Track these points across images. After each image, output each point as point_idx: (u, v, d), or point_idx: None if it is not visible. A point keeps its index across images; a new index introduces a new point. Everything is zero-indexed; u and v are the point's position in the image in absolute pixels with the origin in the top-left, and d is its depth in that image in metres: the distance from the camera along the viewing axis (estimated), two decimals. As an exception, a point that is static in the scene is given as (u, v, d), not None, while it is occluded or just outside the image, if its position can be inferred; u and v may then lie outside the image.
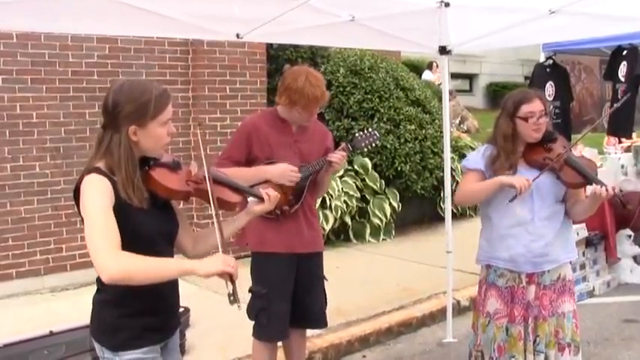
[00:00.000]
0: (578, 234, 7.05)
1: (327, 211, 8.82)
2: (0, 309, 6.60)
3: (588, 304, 7.09)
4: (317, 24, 5.29)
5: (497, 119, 4.24)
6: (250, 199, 3.26)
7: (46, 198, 7.33)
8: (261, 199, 3.19)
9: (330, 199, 8.88)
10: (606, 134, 9.20)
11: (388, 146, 9.72)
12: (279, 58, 9.29)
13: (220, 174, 3.22)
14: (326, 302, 4.65)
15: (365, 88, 9.84)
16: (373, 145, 4.60)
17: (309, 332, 5.02)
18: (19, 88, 7.17)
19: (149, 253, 2.70)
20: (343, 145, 4.44)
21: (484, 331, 4.26)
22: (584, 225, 7.26)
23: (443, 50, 5.94)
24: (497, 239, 4.17)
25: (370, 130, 4.62)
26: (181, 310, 5.23)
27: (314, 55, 10.03)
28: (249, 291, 4.42)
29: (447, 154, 6.25)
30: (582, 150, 7.43)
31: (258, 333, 4.46)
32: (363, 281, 7.53)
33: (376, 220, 9.56)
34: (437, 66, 17.41)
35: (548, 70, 8.21)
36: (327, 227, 8.76)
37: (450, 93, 7.58)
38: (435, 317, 6.66)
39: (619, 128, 8.13)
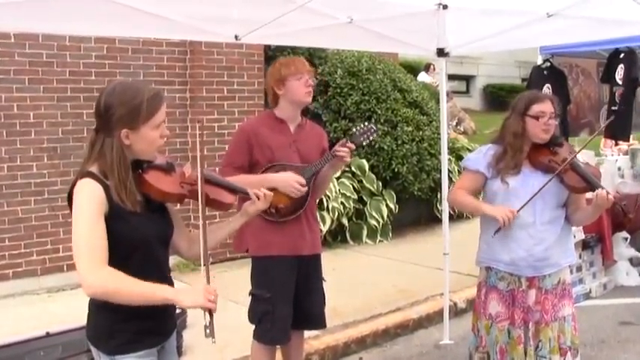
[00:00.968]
0: (575, 236, 7.05)
1: (324, 213, 8.82)
2: (-4, 309, 6.59)
3: (585, 307, 7.10)
4: (315, 26, 5.29)
5: (506, 119, 4.24)
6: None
7: (43, 198, 7.33)
8: (256, 199, 3.18)
9: (327, 201, 8.88)
10: (603, 137, 9.19)
11: (385, 148, 9.72)
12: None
13: (214, 174, 3.21)
14: (325, 303, 4.65)
15: (362, 89, 9.85)
16: (371, 138, 4.53)
17: (306, 334, 5.02)
18: (16, 88, 7.17)
19: (144, 256, 2.70)
20: (344, 140, 4.38)
21: (488, 333, 4.25)
22: (580, 227, 7.26)
23: (441, 52, 5.95)
24: (498, 242, 4.14)
25: (367, 124, 4.57)
26: (178, 311, 5.23)
27: (311, 57, 10.02)
28: (251, 294, 4.42)
29: (444, 156, 6.25)
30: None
31: (261, 336, 4.44)
32: (360, 283, 7.53)
33: (373, 222, 9.56)
34: (434, 68, 17.43)
35: (545, 72, 8.21)
36: (324, 229, 8.76)
37: (447, 94, 7.58)
38: (432, 319, 6.66)
39: (617, 131, 8.13)
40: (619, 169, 8.38)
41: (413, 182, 9.96)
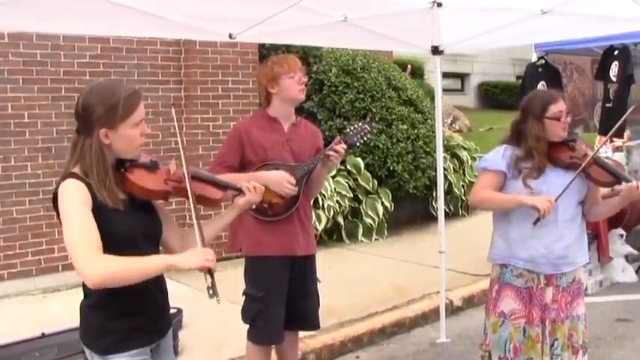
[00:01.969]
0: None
1: (320, 211, 8.81)
2: (-8, 310, 6.58)
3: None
4: (310, 24, 5.28)
5: (519, 123, 4.19)
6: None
7: (37, 198, 7.30)
8: (241, 192, 3.18)
9: (322, 199, 8.88)
10: (598, 134, 9.21)
11: (380, 146, 9.72)
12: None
13: (201, 171, 3.21)
14: (319, 304, 4.65)
15: (357, 87, 9.84)
16: (365, 137, 4.54)
17: (302, 333, 5.02)
18: (10, 88, 7.14)
19: (132, 254, 2.70)
20: (338, 139, 4.38)
21: (494, 332, 4.21)
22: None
23: (435, 50, 5.95)
24: (517, 239, 4.13)
25: (361, 123, 4.56)
26: (174, 311, 5.23)
27: (306, 55, 10.01)
28: (244, 294, 4.42)
29: (440, 154, 6.25)
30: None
31: (255, 336, 4.44)
32: (356, 281, 7.53)
33: (369, 220, 9.56)
34: (410, 69, 17.30)
35: (540, 69, 8.23)
36: (320, 227, 8.76)
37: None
38: (428, 317, 6.66)
39: (611, 128, 8.13)
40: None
41: (408, 180, 9.96)
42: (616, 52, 7.92)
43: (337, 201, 9.13)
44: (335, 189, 9.16)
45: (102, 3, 4.25)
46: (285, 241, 4.34)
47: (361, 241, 9.53)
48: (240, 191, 3.19)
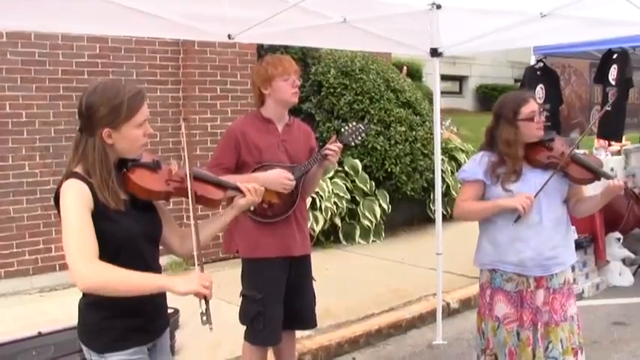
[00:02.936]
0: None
1: (317, 213, 8.82)
2: (-12, 309, 6.57)
3: (577, 307, 7.09)
4: (309, 25, 5.28)
5: (492, 128, 4.17)
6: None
7: (35, 198, 7.31)
8: (242, 193, 3.17)
9: (320, 201, 8.88)
10: (596, 137, 9.21)
11: (378, 148, 9.73)
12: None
13: (202, 171, 3.20)
14: (315, 302, 4.65)
15: (355, 89, 9.85)
16: (361, 137, 4.51)
17: (299, 334, 5.02)
18: (8, 87, 7.15)
19: (132, 254, 2.70)
20: (333, 138, 4.36)
21: (495, 335, 4.20)
22: (573, 228, 7.27)
23: (434, 52, 5.95)
24: (505, 243, 4.10)
25: (355, 123, 4.53)
26: (171, 311, 5.22)
27: (305, 56, 10.03)
28: (242, 295, 4.41)
29: (438, 156, 6.24)
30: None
31: (253, 337, 4.42)
32: (353, 283, 7.53)
33: (366, 222, 9.57)
34: (407, 71, 17.29)
35: (538, 73, 8.23)
36: (317, 228, 8.76)
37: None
38: (425, 319, 6.66)
39: (609, 132, 8.15)
40: (612, 169, 8.39)
41: (406, 182, 9.96)
42: (615, 56, 7.92)
43: (335, 202, 9.13)
44: (332, 190, 9.17)
45: (101, 3, 4.24)
46: (282, 242, 4.34)
47: (358, 242, 9.54)
48: (240, 192, 3.19)
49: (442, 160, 9.44)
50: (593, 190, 4.35)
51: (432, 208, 9.64)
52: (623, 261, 8.18)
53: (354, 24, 5.38)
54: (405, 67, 16.22)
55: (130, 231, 2.78)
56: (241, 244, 4.40)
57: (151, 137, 2.89)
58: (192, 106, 8.31)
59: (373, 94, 9.91)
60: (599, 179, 3.99)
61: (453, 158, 11.24)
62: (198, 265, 2.77)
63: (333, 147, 4.26)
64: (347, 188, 9.43)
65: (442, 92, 7.22)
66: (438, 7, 5.32)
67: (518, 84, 10.61)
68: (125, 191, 2.82)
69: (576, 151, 4.22)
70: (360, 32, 5.50)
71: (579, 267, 7.58)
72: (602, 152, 9.08)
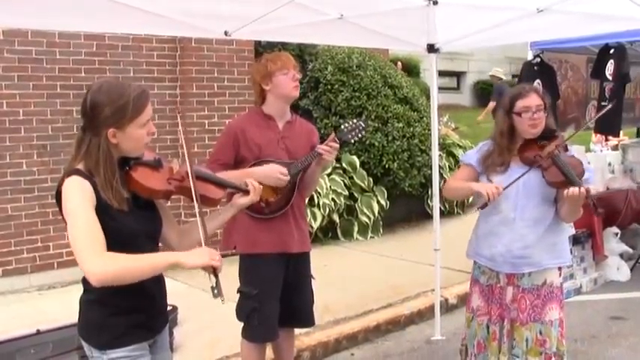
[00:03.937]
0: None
1: (315, 209, 8.82)
2: (-14, 307, 6.57)
3: (575, 302, 7.12)
4: (306, 22, 5.28)
5: (497, 116, 4.26)
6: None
7: (33, 196, 7.30)
8: (245, 192, 3.18)
9: (318, 197, 8.88)
10: (594, 132, 9.23)
11: (376, 144, 9.73)
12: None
13: (202, 169, 3.20)
14: (313, 301, 4.65)
15: (353, 85, 9.85)
16: (360, 135, 4.51)
17: (297, 330, 5.02)
18: (5, 85, 7.14)
19: (131, 252, 2.70)
20: (332, 136, 4.36)
21: (468, 326, 4.28)
22: (571, 223, 7.28)
23: (431, 48, 5.95)
24: (482, 236, 4.19)
25: (355, 120, 4.54)
26: (169, 308, 5.23)
27: (302, 53, 10.03)
28: (239, 292, 4.42)
29: (435, 152, 6.25)
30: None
31: (249, 334, 4.43)
32: (351, 279, 7.54)
33: (364, 218, 9.57)
34: (401, 66, 17.31)
35: (535, 68, 8.22)
36: (315, 225, 8.77)
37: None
38: (423, 315, 6.68)
39: (607, 127, 8.15)
40: (609, 164, 8.41)
41: (404, 178, 9.97)
42: (612, 51, 7.92)
43: (333, 199, 9.14)
44: (330, 187, 9.17)
45: (98, 0, 4.25)
46: (279, 238, 4.34)
47: (356, 239, 9.54)
48: (240, 190, 3.19)
49: (440, 156, 9.43)
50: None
51: (430, 204, 9.64)
52: (621, 256, 8.20)
53: (351, 20, 5.38)
54: (399, 63, 16.24)
55: (131, 229, 2.79)
56: (239, 240, 4.40)
57: (153, 136, 2.89)
58: (189, 104, 8.30)
59: (371, 90, 9.91)
60: (573, 185, 3.88)
61: (450, 154, 11.24)
62: (204, 240, 2.79)
63: (327, 146, 4.27)
64: (345, 185, 9.43)
65: (440, 88, 7.23)
66: (435, 2, 5.32)
67: (516, 79, 10.61)
68: (127, 189, 2.81)
69: (571, 150, 4.20)
70: (357, 28, 5.50)
71: (577, 262, 7.60)
72: (598, 147, 9.11)
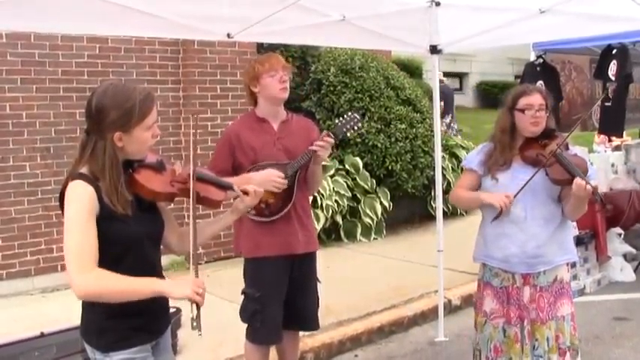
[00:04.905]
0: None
1: (318, 211, 8.82)
2: (-10, 310, 6.58)
3: (579, 303, 7.06)
4: (308, 24, 5.28)
5: (498, 114, 4.25)
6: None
7: (36, 198, 7.31)
8: (245, 194, 3.17)
9: (321, 199, 8.88)
10: (597, 133, 9.22)
11: (379, 145, 9.73)
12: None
13: (205, 172, 3.21)
14: (318, 304, 4.64)
15: (356, 87, 9.85)
16: (356, 128, 4.49)
17: (301, 332, 5.02)
18: (8, 88, 7.15)
19: (135, 256, 2.70)
20: (326, 132, 4.35)
21: (481, 330, 4.23)
22: (574, 224, 7.27)
23: (434, 49, 5.95)
24: (491, 238, 4.14)
25: (350, 113, 4.53)
26: (173, 310, 5.23)
27: (304, 55, 10.04)
28: (242, 293, 4.41)
29: (438, 153, 6.24)
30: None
31: (252, 336, 4.43)
32: (355, 281, 7.54)
33: (367, 220, 9.57)
34: None
35: (538, 69, 8.22)
36: (318, 227, 8.75)
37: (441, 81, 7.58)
38: (427, 316, 6.67)
39: (610, 127, 8.15)
40: (612, 165, 8.40)
41: (407, 180, 9.97)
42: (614, 52, 7.91)
43: (336, 200, 9.14)
44: (333, 188, 9.17)
45: (100, 3, 4.25)
46: (283, 240, 4.33)
47: (360, 240, 9.54)
48: (243, 193, 3.19)
49: (443, 157, 9.43)
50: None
51: (433, 206, 9.65)
52: (625, 256, 8.18)
53: (354, 22, 5.38)
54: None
55: (135, 233, 2.79)
56: (244, 244, 4.40)
57: (158, 138, 2.89)
58: (192, 106, 8.31)
59: (373, 91, 9.92)
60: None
61: (453, 155, 11.25)
62: (193, 269, 2.76)
63: (321, 142, 4.26)
64: (348, 186, 9.43)
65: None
66: (437, 4, 5.33)
67: (519, 80, 10.60)
68: (130, 192, 2.81)
69: (572, 149, 4.20)
70: (359, 30, 5.51)
71: (581, 263, 7.58)
72: (601, 147, 9.10)
